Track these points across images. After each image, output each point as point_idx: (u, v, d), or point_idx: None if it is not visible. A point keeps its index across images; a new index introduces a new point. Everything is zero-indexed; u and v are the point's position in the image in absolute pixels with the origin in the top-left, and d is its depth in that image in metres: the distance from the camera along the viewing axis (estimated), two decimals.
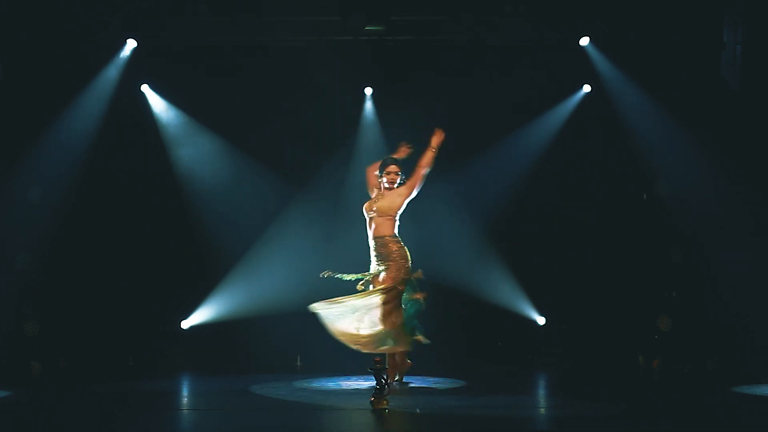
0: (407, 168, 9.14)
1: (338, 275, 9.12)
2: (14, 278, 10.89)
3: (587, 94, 11.64)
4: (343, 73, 11.32)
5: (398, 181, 9.26)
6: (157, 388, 9.55)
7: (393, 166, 9.26)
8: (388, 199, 9.19)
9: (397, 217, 9.23)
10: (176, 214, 11.55)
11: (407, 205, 9.15)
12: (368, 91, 11.88)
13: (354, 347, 9.03)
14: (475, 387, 9.41)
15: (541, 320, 11.57)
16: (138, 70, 11.34)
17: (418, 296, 9.65)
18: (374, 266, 9.19)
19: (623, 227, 11.42)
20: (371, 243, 9.23)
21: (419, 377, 9.91)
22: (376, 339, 8.94)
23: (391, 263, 9.09)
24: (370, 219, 9.23)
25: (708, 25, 10.25)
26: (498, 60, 11.28)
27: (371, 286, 9.09)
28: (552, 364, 11.15)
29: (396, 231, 9.21)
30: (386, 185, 9.24)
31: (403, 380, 9.53)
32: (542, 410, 8.27)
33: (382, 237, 9.17)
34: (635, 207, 11.41)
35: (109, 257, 11.32)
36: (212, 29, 11.02)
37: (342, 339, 9.05)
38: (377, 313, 8.90)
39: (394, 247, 9.12)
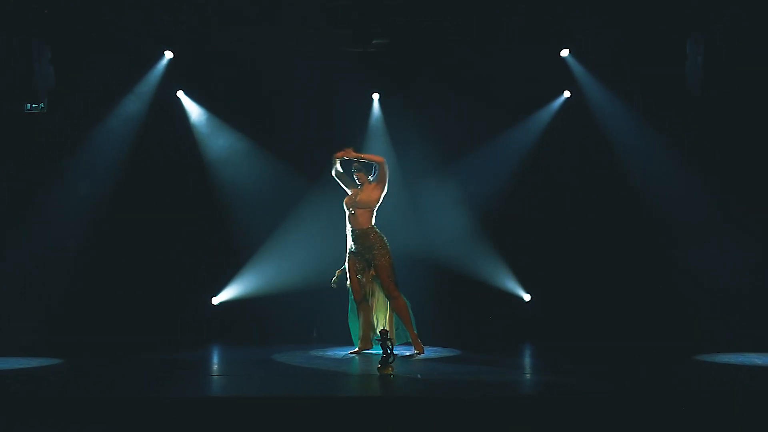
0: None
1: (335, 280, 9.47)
2: (66, 259, 10.99)
3: (567, 98, 11.68)
4: (353, 81, 11.37)
5: (363, 177, 9.38)
6: (192, 356, 9.64)
7: (356, 164, 9.41)
8: (366, 194, 9.29)
9: (375, 210, 9.34)
10: (208, 205, 11.58)
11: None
12: (376, 96, 11.91)
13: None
14: (469, 355, 9.44)
15: (526, 297, 11.63)
16: (174, 77, 11.41)
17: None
18: (352, 256, 9.34)
19: (599, 215, 11.41)
20: (350, 235, 9.34)
21: None
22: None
23: (375, 252, 9.21)
24: (351, 213, 9.31)
25: (673, 38, 10.27)
26: (489, 68, 11.29)
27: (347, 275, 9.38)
28: (536, 336, 11.16)
29: (373, 222, 9.34)
30: (358, 182, 9.40)
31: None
32: (528, 376, 8.30)
33: (362, 228, 9.28)
34: (610, 197, 11.40)
35: (149, 242, 11.36)
36: (238, 44, 11.03)
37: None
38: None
39: (373, 237, 9.24)
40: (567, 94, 11.64)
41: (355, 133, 11.60)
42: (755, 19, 9.61)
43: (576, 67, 11.32)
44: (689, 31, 10.02)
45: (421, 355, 9.17)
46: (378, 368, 7.72)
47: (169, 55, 11.27)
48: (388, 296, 9.27)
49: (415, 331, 9.34)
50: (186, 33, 10.79)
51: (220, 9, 10.25)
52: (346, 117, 11.53)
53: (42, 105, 10.45)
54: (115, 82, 11.16)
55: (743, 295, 10.68)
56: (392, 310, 9.34)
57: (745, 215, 10.57)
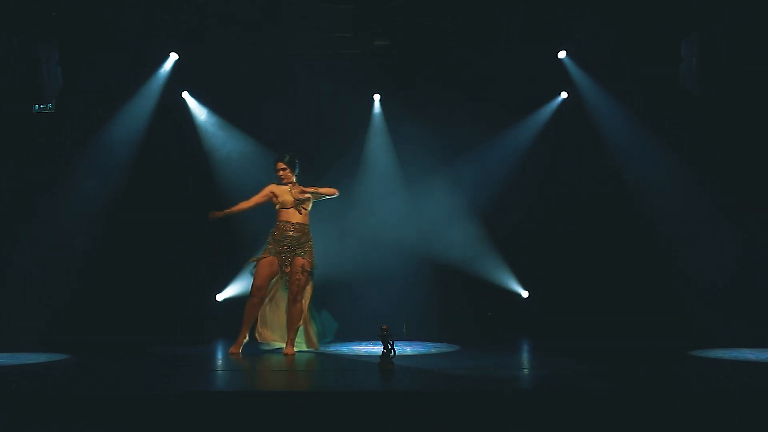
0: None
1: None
2: (73, 258, 10.88)
3: (564, 99, 11.60)
4: (354, 81, 11.31)
5: (290, 176, 9.14)
6: (196, 351, 9.55)
7: (279, 164, 9.18)
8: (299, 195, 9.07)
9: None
10: (213, 204, 11.40)
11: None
12: (377, 97, 11.83)
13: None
14: (468, 351, 9.35)
15: (524, 293, 11.53)
16: (179, 79, 11.31)
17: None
18: (273, 244, 9.03)
19: (598, 215, 11.28)
20: (286, 225, 9.05)
21: (420, 342, 9.92)
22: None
23: (308, 250, 9.00)
24: (290, 208, 9.06)
25: (672, 38, 10.20)
26: (489, 69, 11.21)
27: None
28: (535, 334, 11.00)
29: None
30: (283, 181, 9.18)
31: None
32: (525, 370, 8.22)
33: (304, 225, 9.06)
34: (608, 198, 11.27)
35: (154, 240, 11.25)
36: (242, 46, 10.95)
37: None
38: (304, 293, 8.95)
39: (311, 238, 9.09)
40: (564, 95, 11.57)
41: (356, 132, 11.57)
42: (755, 19, 9.51)
43: (573, 68, 11.25)
44: (689, 31, 9.95)
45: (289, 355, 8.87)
46: (379, 363, 7.64)
47: (174, 56, 11.19)
48: (295, 298, 8.93)
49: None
50: (190, 36, 10.72)
51: (221, 10, 10.17)
52: (347, 117, 11.45)
53: (50, 106, 10.38)
54: (122, 83, 11.08)
55: (741, 293, 10.54)
56: (292, 312, 8.97)
57: (744, 215, 10.44)
